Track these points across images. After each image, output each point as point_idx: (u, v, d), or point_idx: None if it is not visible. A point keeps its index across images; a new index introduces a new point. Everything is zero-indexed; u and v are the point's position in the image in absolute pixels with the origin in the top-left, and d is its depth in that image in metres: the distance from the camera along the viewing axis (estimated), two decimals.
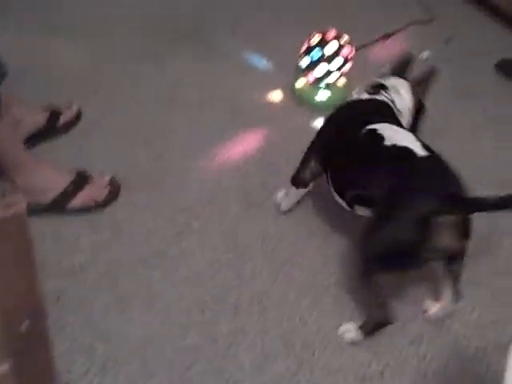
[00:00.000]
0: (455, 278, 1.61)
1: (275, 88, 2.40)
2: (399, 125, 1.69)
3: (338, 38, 2.26)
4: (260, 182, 2.01)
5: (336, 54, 2.25)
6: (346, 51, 2.26)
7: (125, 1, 2.73)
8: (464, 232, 1.47)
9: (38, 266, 0.90)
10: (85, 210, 1.83)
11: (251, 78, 2.43)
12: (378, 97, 1.76)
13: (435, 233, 1.43)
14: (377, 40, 2.72)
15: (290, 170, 2.06)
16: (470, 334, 1.68)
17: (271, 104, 2.34)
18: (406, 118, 1.78)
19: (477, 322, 1.71)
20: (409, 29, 2.83)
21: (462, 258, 1.56)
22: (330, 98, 2.33)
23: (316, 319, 1.66)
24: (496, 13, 2.95)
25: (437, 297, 1.69)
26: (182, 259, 1.76)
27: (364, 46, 2.65)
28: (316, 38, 2.26)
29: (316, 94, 2.33)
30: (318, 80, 2.30)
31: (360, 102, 1.79)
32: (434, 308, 1.69)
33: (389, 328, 1.63)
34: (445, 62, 2.66)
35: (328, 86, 2.33)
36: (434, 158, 1.54)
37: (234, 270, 1.75)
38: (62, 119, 2.05)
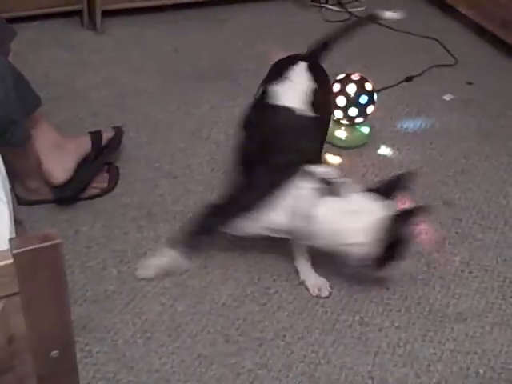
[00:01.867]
0: None
1: None
2: None
3: (362, 81, 2.31)
4: None
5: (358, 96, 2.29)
6: (365, 98, 2.30)
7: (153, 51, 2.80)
8: None
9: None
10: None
11: None
12: None
13: None
14: (400, 82, 2.76)
15: None
16: (496, 377, 1.65)
17: None
18: None
19: (504, 364, 1.69)
20: (432, 71, 2.86)
21: None
22: (348, 137, 2.36)
23: (340, 356, 1.65)
24: None
25: None
26: (205, 291, 1.77)
27: (386, 88, 2.68)
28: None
29: (335, 131, 2.35)
30: (352, 120, 2.34)
31: None
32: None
33: (414, 367, 1.63)
34: (466, 104, 2.70)
35: (348, 126, 2.36)
36: None
37: (258, 304, 1.75)
38: (105, 137, 2.04)
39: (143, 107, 2.40)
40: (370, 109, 2.32)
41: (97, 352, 1.58)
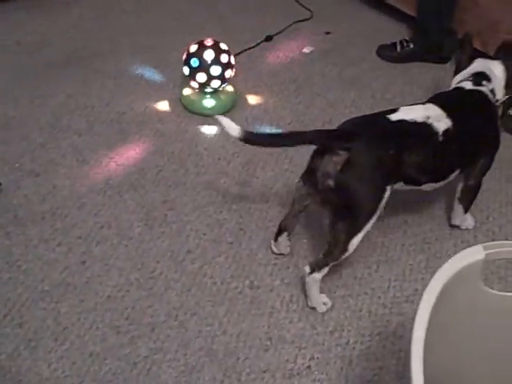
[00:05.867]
0: None
1: (164, 99, 2.37)
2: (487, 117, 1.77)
3: (215, 46, 2.25)
4: (160, 197, 1.97)
5: (214, 61, 2.23)
6: (224, 58, 2.25)
7: None
8: None
9: None
10: None
11: (139, 93, 2.38)
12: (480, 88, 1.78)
13: None
14: (259, 43, 2.74)
15: (189, 181, 2.04)
16: (388, 313, 1.69)
17: (162, 116, 2.30)
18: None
19: (393, 299, 1.72)
20: (290, 28, 2.86)
21: None
22: (216, 104, 2.31)
23: (235, 324, 1.63)
24: (373, 2, 3.04)
25: None
26: (88, 287, 1.69)
27: (247, 49, 2.66)
28: (194, 47, 2.25)
29: (202, 101, 2.31)
30: (202, 87, 2.28)
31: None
32: None
33: (309, 319, 1.64)
34: (327, 54, 2.73)
35: (213, 93, 2.31)
36: None
37: (144, 289, 1.69)
38: None
39: None
40: (228, 72, 2.28)
41: None
